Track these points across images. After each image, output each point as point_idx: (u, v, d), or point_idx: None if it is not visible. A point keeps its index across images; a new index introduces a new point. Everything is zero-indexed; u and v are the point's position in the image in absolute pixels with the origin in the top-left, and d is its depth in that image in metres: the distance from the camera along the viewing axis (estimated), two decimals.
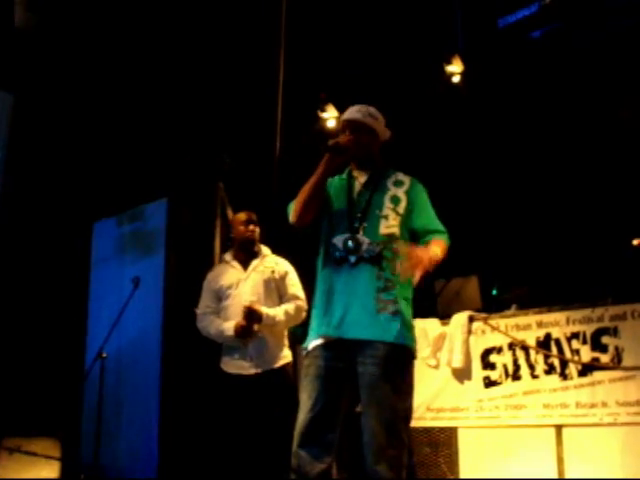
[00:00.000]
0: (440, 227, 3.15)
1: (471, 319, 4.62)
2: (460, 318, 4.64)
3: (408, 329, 3.02)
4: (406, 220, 3.12)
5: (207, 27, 6.42)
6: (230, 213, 6.04)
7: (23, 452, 5.59)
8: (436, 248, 2.96)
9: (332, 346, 3.02)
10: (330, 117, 6.80)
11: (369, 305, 2.99)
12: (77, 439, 6.17)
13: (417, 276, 2.88)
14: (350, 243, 3.05)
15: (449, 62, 6.50)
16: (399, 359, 2.97)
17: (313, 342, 3.08)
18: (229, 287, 4.40)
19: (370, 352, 2.94)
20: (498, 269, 6.18)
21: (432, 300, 5.49)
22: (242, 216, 4.47)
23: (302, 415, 2.99)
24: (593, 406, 4.03)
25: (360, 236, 3.05)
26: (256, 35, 6.24)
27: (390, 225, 3.08)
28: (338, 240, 3.08)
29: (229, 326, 4.25)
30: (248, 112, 6.42)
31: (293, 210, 3.16)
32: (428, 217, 3.17)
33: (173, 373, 5.76)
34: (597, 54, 5.99)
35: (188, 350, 5.77)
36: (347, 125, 3.22)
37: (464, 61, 6.49)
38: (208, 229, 5.98)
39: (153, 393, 5.78)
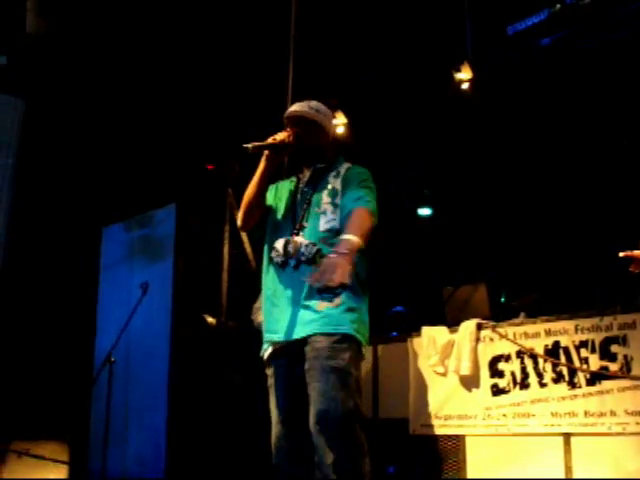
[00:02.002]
0: (362, 198, 2.95)
1: (479, 327, 4.61)
2: (468, 326, 4.63)
3: (353, 319, 2.89)
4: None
5: (216, 34, 6.44)
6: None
7: (31, 455, 5.63)
8: (354, 228, 2.77)
9: (284, 352, 2.94)
10: (340, 124, 6.80)
11: (311, 304, 2.88)
12: (85, 443, 6.20)
13: (338, 280, 2.59)
14: (289, 246, 2.95)
15: (458, 69, 6.50)
16: (341, 350, 2.81)
17: (267, 351, 3.02)
18: None
19: (313, 346, 2.82)
20: (507, 277, 6.17)
21: (440, 308, 5.48)
22: None
23: (273, 427, 2.93)
24: (602, 415, 4.01)
25: (298, 238, 2.95)
26: (265, 41, 6.26)
27: (329, 220, 2.97)
28: (279, 244, 2.99)
29: None
30: (257, 118, 6.44)
31: (239, 214, 3.12)
32: (351, 193, 2.99)
33: (181, 378, 5.78)
34: (606, 61, 5.98)
35: (196, 355, 5.79)
36: (288, 121, 3.13)
37: (473, 68, 6.49)
38: (217, 235, 6.00)
39: (161, 398, 5.80)
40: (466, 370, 4.53)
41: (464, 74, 6.51)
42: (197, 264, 6.05)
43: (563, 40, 6.30)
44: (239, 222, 3.14)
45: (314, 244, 2.92)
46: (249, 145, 2.98)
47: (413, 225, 7.08)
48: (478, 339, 4.58)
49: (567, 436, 4.10)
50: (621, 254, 3.03)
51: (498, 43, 6.56)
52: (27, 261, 6.34)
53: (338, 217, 2.96)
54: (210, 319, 5.83)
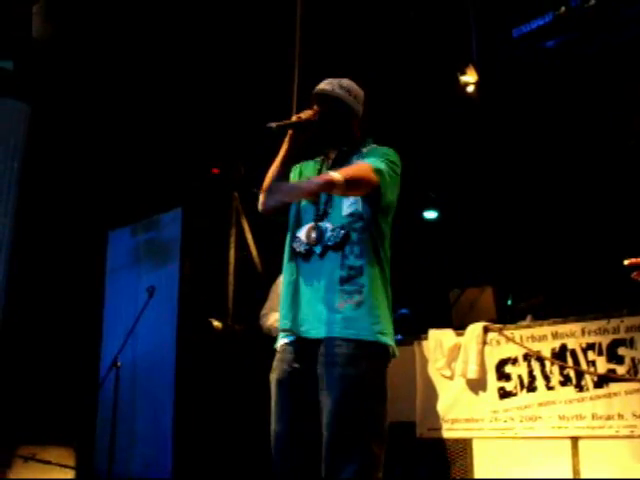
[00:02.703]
0: (368, 160, 2.76)
1: (486, 330, 4.60)
2: (475, 329, 4.62)
3: (376, 321, 2.68)
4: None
5: (221, 37, 6.45)
6: (245, 223, 6.07)
7: (38, 460, 5.63)
8: (341, 170, 2.60)
9: (296, 346, 2.74)
10: None
11: (332, 299, 2.67)
12: (91, 448, 6.20)
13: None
14: (313, 233, 2.77)
15: (463, 72, 6.49)
16: (361, 357, 2.61)
17: (280, 341, 2.86)
18: None
19: (330, 351, 2.62)
20: (513, 279, 6.16)
21: (447, 310, 5.48)
22: None
23: (272, 425, 2.74)
24: (609, 418, 3.99)
25: (322, 223, 2.77)
26: (270, 43, 6.26)
27: (351, 203, 2.77)
28: (302, 232, 2.82)
29: None
30: (262, 121, 6.43)
31: (260, 197, 2.93)
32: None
33: (187, 382, 5.78)
34: (612, 63, 5.98)
35: (202, 359, 5.79)
36: (314, 98, 2.94)
37: (478, 71, 6.49)
38: (223, 238, 6.00)
39: (167, 402, 5.81)
40: (473, 373, 4.52)
41: (469, 77, 6.51)
42: (203, 268, 6.06)
43: (568, 42, 6.29)
44: (260, 205, 2.93)
45: (341, 228, 2.75)
46: (273, 124, 2.81)
47: (419, 228, 7.09)
48: (485, 342, 4.57)
49: (575, 439, 4.09)
50: (626, 262, 3.01)
51: (503, 45, 6.56)
52: (33, 265, 6.34)
53: (361, 199, 2.76)
54: (216, 323, 5.83)
